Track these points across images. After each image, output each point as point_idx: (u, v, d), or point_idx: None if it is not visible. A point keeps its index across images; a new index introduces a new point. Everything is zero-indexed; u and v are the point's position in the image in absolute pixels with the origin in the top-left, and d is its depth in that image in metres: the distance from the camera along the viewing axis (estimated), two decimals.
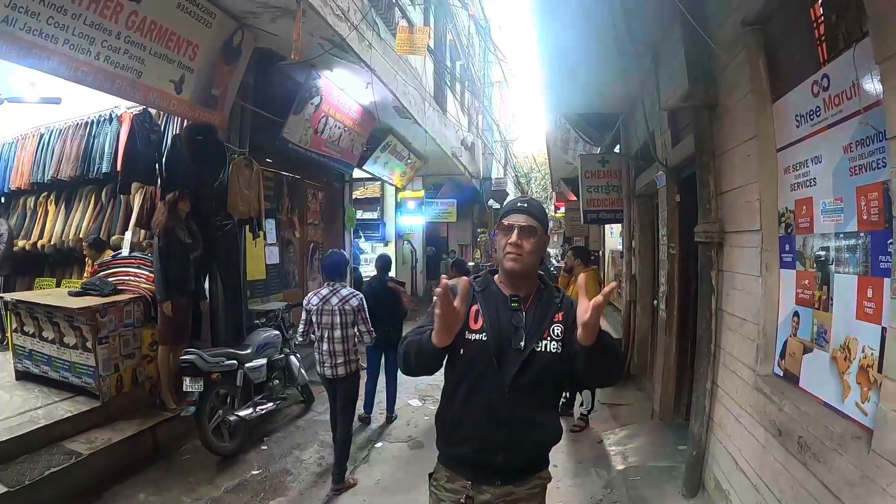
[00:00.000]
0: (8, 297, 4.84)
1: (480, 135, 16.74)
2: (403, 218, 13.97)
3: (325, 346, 3.93)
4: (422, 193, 14.06)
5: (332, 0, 4.90)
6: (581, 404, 5.06)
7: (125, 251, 5.33)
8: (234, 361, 4.36)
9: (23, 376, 4.63)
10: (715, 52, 2.98)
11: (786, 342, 2.43)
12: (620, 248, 8.11)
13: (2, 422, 3.75)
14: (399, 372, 5.21)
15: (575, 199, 11.31)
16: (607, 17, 3.57)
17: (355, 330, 3.99)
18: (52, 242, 6.25)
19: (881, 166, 1.73)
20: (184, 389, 4.08)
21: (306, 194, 8.27)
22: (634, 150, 5.87)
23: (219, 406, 4.32)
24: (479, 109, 16.17)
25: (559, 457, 4.24)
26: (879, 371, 1.70)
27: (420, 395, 6.03)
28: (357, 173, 9.81)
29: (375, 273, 5.64)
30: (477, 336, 1.67)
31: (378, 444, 4.81)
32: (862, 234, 1.86)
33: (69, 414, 4.00)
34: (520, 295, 1.71)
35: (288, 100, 6.14)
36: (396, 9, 7.68)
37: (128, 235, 5.46)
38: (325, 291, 4.01)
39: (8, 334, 4.89)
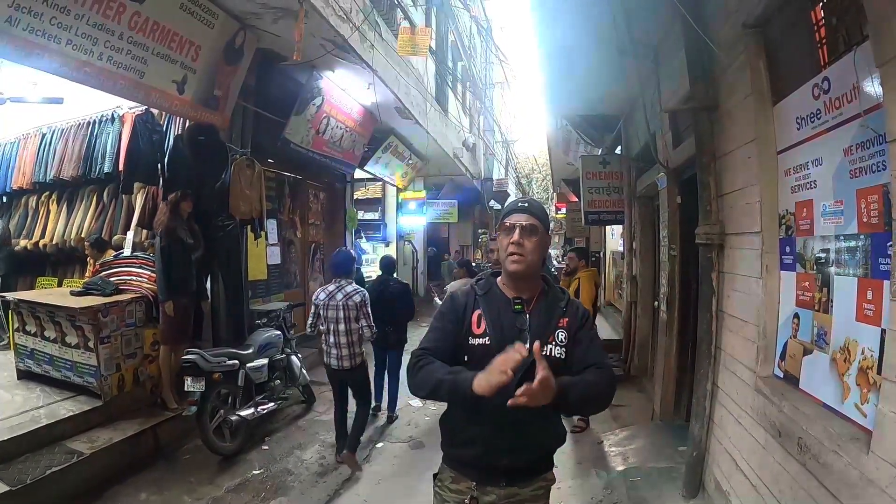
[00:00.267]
0: (10, 296, 4.86)
1: (482, 135, 16.76)
2: (404, 218, 13.98)
3: (331, 339, 4.20)
4: (423, 194, 14.07)
5: (335, 1, 4.91)
6: None
7: (127, 251, 5.34)
8: (236, 361, 4.37)
9: (25, 375, 4.64)
10: (716, 54, 2.98)
11: (786, 344, 2.44)
12: (621, 249, 8.12)
13: (3, 421, 3.76)
14: (400, 371, 5.33)
15: (576, 200, 11.33)
16: (608, 19, 3.58)
17: (359, 325, 4.20)
18: (53, 242, 6.27)
19: (881, 169, 1.74)
20: (185, 389, 4.09)
21: (308, 195, 8.29)
22: (635, 152, 5.88)
23: (220, 406, 4.33)
24: (480, 110, 16.18)
25: (559, 457, 4.19)
26: (879, 373, 1.70)
27: None
28: (358, 174, 9.83)
29: (380, 274, 5.65)
30: (480, 341, 1.65)
31: (379, 444, 4.82)
32: (862, 237, 1.87)
33: (71, 413, 4.01)
34: (523, 297, 1.70)
35: (290, 100, 6.16)
36: (398, 10, 7.70)
37: (129, 235, 5.47)
38: (331, 287, 4.27)
39: (10, 334, 4.90)
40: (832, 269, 2.06)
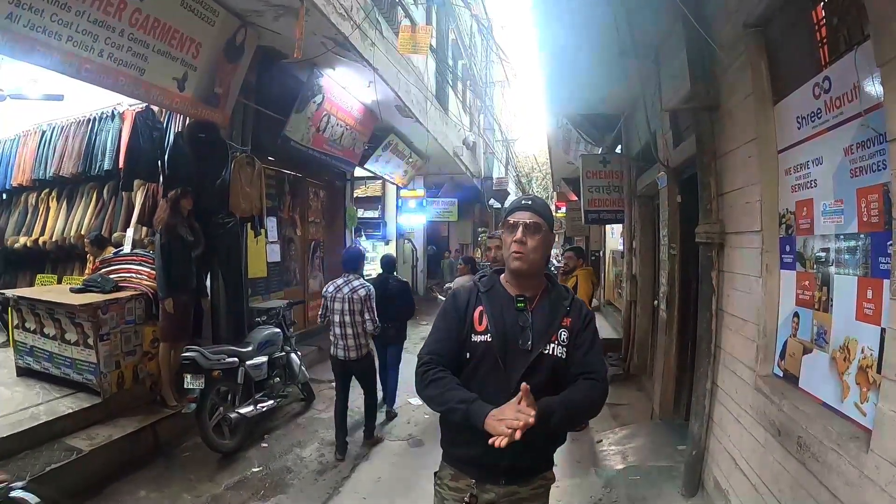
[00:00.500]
0: (9, 293, 4.86)
1: (482, 134, 16.76)
2: (404, 217, 13.98)
3: (337, 331, 4.44)
4: (423, 192, 14.08)
5: None
6: None
7: (127, 248, 5.33)
8: (235, 359, 4.37)
9: (24, 373, 4.64)
10: (717, 54, 2.98)
11: (786, 343, 2.44)
12: (621, 248, 8.12)
13: (3, 418, 3.76)
14: (400, 367, 5.35)
15: (576, 199, 11.33)
16: (609, 19, 3.57)
17: (363, 318, 4.42)
18: (53, 239, 6.27)
19: (881, 168, 1.74)
20: (185, 386, 4.10)
21: (308, 192, 8.29)
22: (636, 151, 5.88)
23: (219, 403, 4.33)
24: (480, 109, 16.18)
25: (559, 456, 4.23)
26: (878, 372, 1.70)
27: None
28: (358, 172, 9.84)
29: (380, 272, 5.66)
30: (482, 338, 1.65)
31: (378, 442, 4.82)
32: (862, 236, 1.87)
33: (70, 410, 4.02)
34: (526, 295, 1.69)
35: (290, 98, 6.15)
36: (399, 8, 7.69)
37: (129, 232, 5.46)
38: (340, 281, 4.53)
39: (9, 331, 4.90)
40: (832, 269, 2.07)
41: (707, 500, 3.18)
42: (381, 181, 12.45)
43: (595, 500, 3.68)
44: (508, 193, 20.09)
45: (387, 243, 13.16)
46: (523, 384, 1.46)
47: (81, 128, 6.02)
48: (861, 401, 1.83)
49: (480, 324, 1.67)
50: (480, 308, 1.69)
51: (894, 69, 1.59)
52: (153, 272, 4.76)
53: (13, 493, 1.44)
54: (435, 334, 1.74)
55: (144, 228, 5.43)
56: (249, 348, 4.61)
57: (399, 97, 7.43)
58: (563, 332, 1.66)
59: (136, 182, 5.38)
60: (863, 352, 1.84)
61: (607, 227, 10.06)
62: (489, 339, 1.64)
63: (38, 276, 6.53)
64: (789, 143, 2.38)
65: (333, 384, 4.75)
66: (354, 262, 4.65)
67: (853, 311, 1.90)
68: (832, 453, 1.85)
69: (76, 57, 3.54)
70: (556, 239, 20.66)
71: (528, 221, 1.67)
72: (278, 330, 5.10)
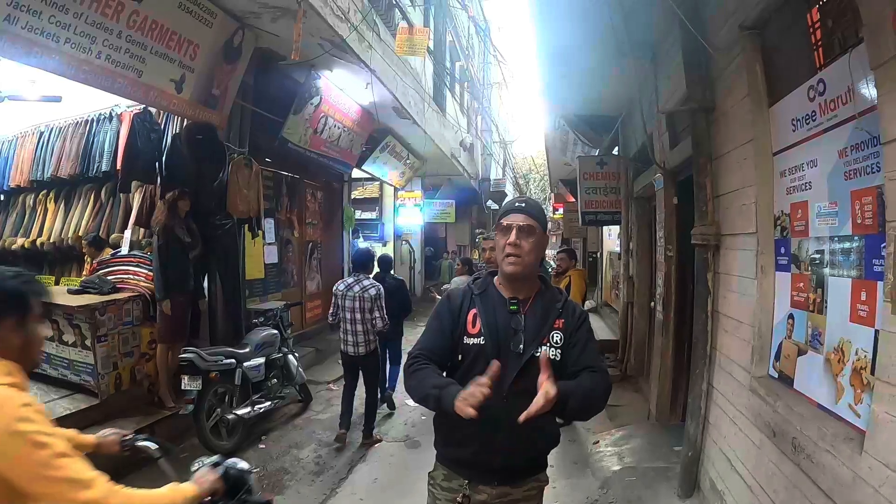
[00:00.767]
0: None
1: (479, 136, 16.77)
2: (402, 218, 13.98)
3: (347, 327, 4.65)
4: (420, 194, 14.07)
5: (333, 1, 4.91)
6: None
7: (124, 249, 5.33)
8: (233, 360, 4.37)
9: None
10: (713, 56, 2.99)
11: (780, 344, 2.45)
12: (618, 249, 8.13)
13: None
14: (401, 359, 5.42)
15: (573, 200, 11.33)
16: (606, 20, 3.59)
17: (373, 315, 4.60)
18: (51, 240, 6.25)
19: (875, 171, 1.75)
20: (182, 388, 4.10)
21: (305, 194, 8.29)
22: (633, 152, 5.90)
23: (217, 404, 4.33)
24: (478, 110, 16.19)
25: (554, 457, 4.25)
26: (872, 373, 1.71)
27: None
28: (356, 173, 9.84)
29: (377, 271, 5.69)
30: (475, 340, 1.66)
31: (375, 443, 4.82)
32: (856, 238, 1.88)
33: (67, 412, 4.00)
34: (519, 297, 1.70)
35: (288, 100, 6.15)
36: (396, 10, 7.70)
37: (127, 234, 5.46)
38: (350, 280, 4.74)
39: None
40: (826, 270, 2.08)
41: (703, 501, 3.19)
42: (378, 182, 12.45)
43: (591, 500, 3.69)
44: (506, 195, 20.06)
45: (384, 245, 13.15)
46: (544, 351, 1.50)
47: (79, 129, 6.01)
48: (855, 402, 1.84)
49: (474, 326, 1.68)
50: (474, 311, 1.70)
51: (888, 72, 1.60)
52: (151, 273, 4.75)
53: (138, 443, 1.70)
54: (427, 333, 1.76)
55: (142, 230, 5.42)
56: (247, 350, 4.61)
57: (396, 99, 7.43)
58: (555, 335, 1.67)
59: (133, 183, 5.38)
60: (857, 353, 1.85)
61: (604, 228, 10.07)
62: (482, 343, 1.65)
63: (36, 277, 6.51)
64: (784, 146, 2.39)
65: (331, 386, 4.79)
66: (365, 263, 4.90)
67: (847, 313, 1.91)
68: (826, 454, 1.86)
69: (74, 59, 3.54)
70: (554, 240, 20.68)
71: (521, 224, 1.66)
72: (276, 331, 5.10)
